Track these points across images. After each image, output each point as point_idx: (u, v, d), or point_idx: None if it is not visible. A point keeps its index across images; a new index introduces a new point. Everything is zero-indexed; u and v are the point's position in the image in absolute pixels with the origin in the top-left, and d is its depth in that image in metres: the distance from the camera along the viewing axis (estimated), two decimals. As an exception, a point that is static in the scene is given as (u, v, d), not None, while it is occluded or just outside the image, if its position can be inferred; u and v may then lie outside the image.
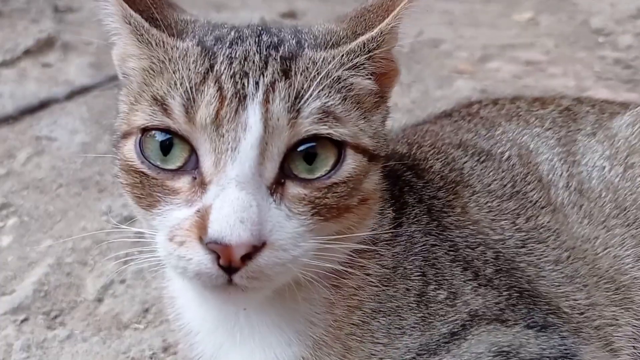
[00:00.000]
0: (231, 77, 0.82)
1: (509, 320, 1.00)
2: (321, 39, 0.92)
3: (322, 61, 0.87)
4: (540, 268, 1.05)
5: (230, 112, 0.80)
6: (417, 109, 2.22)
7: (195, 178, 0.82)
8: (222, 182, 0.79)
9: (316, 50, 0.89)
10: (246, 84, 0.82)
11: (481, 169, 1.12)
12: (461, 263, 1.02)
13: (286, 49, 0.87)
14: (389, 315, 0.96)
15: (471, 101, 1.36)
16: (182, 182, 0.82)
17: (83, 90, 2.30)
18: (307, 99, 0.82)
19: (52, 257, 1.56)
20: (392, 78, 0.97)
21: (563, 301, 1.04)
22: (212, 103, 0.80)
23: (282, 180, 0.83)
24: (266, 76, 0.82)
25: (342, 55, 0.89)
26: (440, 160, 1.13)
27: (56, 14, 2.79)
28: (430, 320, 0.97)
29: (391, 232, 0.98)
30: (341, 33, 0.93)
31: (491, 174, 1.12)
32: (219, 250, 0.77)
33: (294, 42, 0.90)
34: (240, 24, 0.97)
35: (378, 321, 0.96)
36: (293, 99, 0.82)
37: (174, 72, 0.84)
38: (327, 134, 0.84)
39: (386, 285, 0.96)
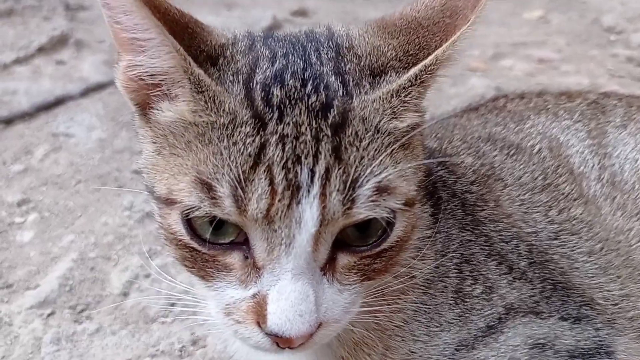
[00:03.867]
0: (283, 166, 0.73)
1: (544, 313, 1.00)
2: (365, 62, 0.81)
3: (373, 115, 0.77)
4: (573, 260, 1.05)
5: (283, 208, 0.72)
6: (431, 106, 2.20)
7: (247, 257, 0.77)
8: (276, 272, 0.75)
9: (362, 90, 0.78)
10: (299, 173, 0.73)
11: (512, 162, 1.12)
12: (496, 257, 1.02)
13: (334, 110, 0.75)
14: (429, 313, 0.96)
15: (497, 95, 1.36)
16: (234, 258, 0.77)
17: (98, 87, 2.30)
18: (362, 182, 0.74)
19: (75, 252, 1.56)
20: None
21: (597, 292, 1.04)
22: (264, 198, 0.72)
23: (334, 256, 0.78)
24: (319, 162, 0.73)
25: (393, 96, 0.78)
26: (471, 154, 1.13)
27: (68, 12, 2.78)
28: (467, 315, 0.97)
29: (432, 230, 0.97)
30: (389, 54, 0.82)
31: (522, 167, 1.12)
32: (278, 340, 0.76)
33: (339, 86, 0.78)
34: (275, 50, 0.83)
35: (419, 320, 0.95)
36: (347, 187, 0.74)
37: (223, 150, 0.73)
38: (384, 217, 0.77)
39: (428, 286, 0.95)
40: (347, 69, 0.80)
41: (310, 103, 0.76)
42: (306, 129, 0.74)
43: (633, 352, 1.04)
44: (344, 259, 0.78)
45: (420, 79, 0.79)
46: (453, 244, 0.99)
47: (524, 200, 1.08)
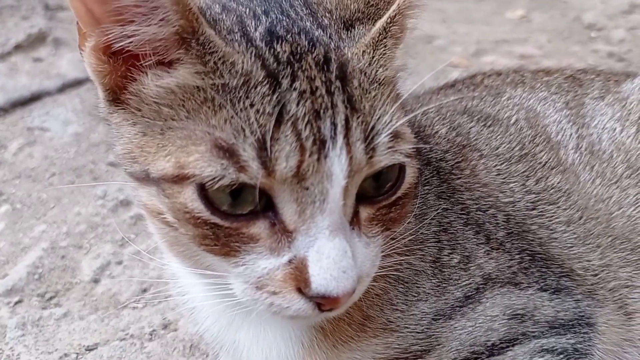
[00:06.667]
0: (307, 122, 0.70)
1: (522, 283, 0.98)
2: (336, 15, 0.81)
3: (367, 66, 0.77)
4: (551, 230, 1.03)
5: (313, 163, 0.70)
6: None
7: (274, 224, 0.73)
8: (312, 232, 0.72)
9: (346, 43, 0.78)
10: (321, 127, 0.71)
11: (488, 133, 1.10)
12: (473, 226, 0.99)
13: (334, 63, 0.74)
14: (407, 283, 0.93)
15: (474, 73, 1.34)
16: (259, 228, 0.73)
17: (75, 84, 2.26)
18: (379, 130, 0.74)
19: (46, 242, 1.51)
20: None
21: (576, 263, 1.02)
22: (293, 155, 0.69)
23: (357, 210, 0.76)
24: (338, 114, 0.72)
25: (374, 48, 0.78)
26: (445, 125, 1.11)
27: (47, 12, 2.75)
28: (444, 285, 0.95)
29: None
30: (352, 6, 0.82)
31: (498, 137, 1.10)
32: (324, 301, 0.73)
33: (328, 39, 0.77)
34: (252, 8, 0.80)
35: (397, 289, 0.93)
36: (367, 136, 0.73)
37: (240, 112, 0.70)
38: (401, 162, 0.77)
39: (407, 254, 0.92)
40: (325, 23, 0.80)
41: (314, 57, 0.74)
42: (319, 82, 0.73)
43: (614, 324, 1.02)
44: (364, 212, 0.77)
45: (389, 31, 0.79)
46: (430, 211, 0.96)
47: (501, 170, 1.06)
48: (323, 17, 0.81)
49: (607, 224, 1.03)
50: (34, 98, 2.18)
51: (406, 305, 0.93)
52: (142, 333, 1.23)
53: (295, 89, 0.71)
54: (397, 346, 0.92)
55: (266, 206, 0.73)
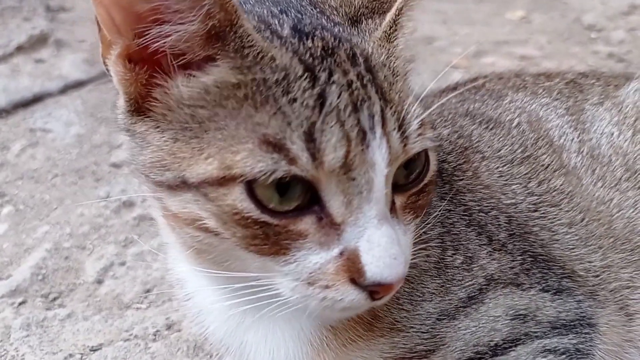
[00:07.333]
0: (349, 113, 0.72)
1: (524, 284, 0.99)
2: (341, 12, 0.84)
3: (386, 58, 0.80)
4: (553, 232, 1.04)
5: (358, 153, 0.72)
6: (414, 101, 2.22)
7: (321, 218, 0.73)
8: (360, 223, 0.73)
9: (360, 38, 0.81)
10: (361, 118, 0.73)
11: (490, 136, 1.11)
12: (475, 227, 1.00)
13: (359, 57, 0.77)
14: (412, 283, 0.94)
15: (476, 76, 1.35)
16: (306, 223, 0.73)
17: (77, 85, 2.27)
18: (409, 119, 0.76)
19: (50, 243, 1.52)
20: None
21: (577, 264, 1.03)
22: (341, 146, 0.71)
23: (393, 198, 0.78)
24: (374, 106, 0.74)
25: (386, 40, 0.81)
26: (447, 127, 1.12)
27: (48, 13, 2.75)
28: (448, 286, 0.96)
29: None
30: (356, 2, 0.85)
31: (500, 139, 1.11)
32: (379, 289, 0.75)
33: (347, 35, 0.80)
34: (269, 8, 0.81)
35: (403, 289, 0.93)
36: (400, 125, 0.75)
37: (283, 106, 0.71)
38: (429, 147, 0.80)
39: (412, 253, 0.94)
40: (337, 20, 0.82)
41: (343, 51, 0.76)
42: (353, 75, 0.75)
43: (615, 325, 1.03)
44: (398, 200, 0.79)
45: (398, 22, 0.82)
46: (433, 212, 0.97)
47: (503, 172, 1.07)
48: (332, 15, 0.83)
49: (609, 225, 1.04)
50: (36, 99, 2.19)
51: (412, 305, 0.94)
52: (146, 334, 1.24)
53: (333, 82, 0.73)
54: (403, 345, 0.93)
55: (311, 201, 0.73)
